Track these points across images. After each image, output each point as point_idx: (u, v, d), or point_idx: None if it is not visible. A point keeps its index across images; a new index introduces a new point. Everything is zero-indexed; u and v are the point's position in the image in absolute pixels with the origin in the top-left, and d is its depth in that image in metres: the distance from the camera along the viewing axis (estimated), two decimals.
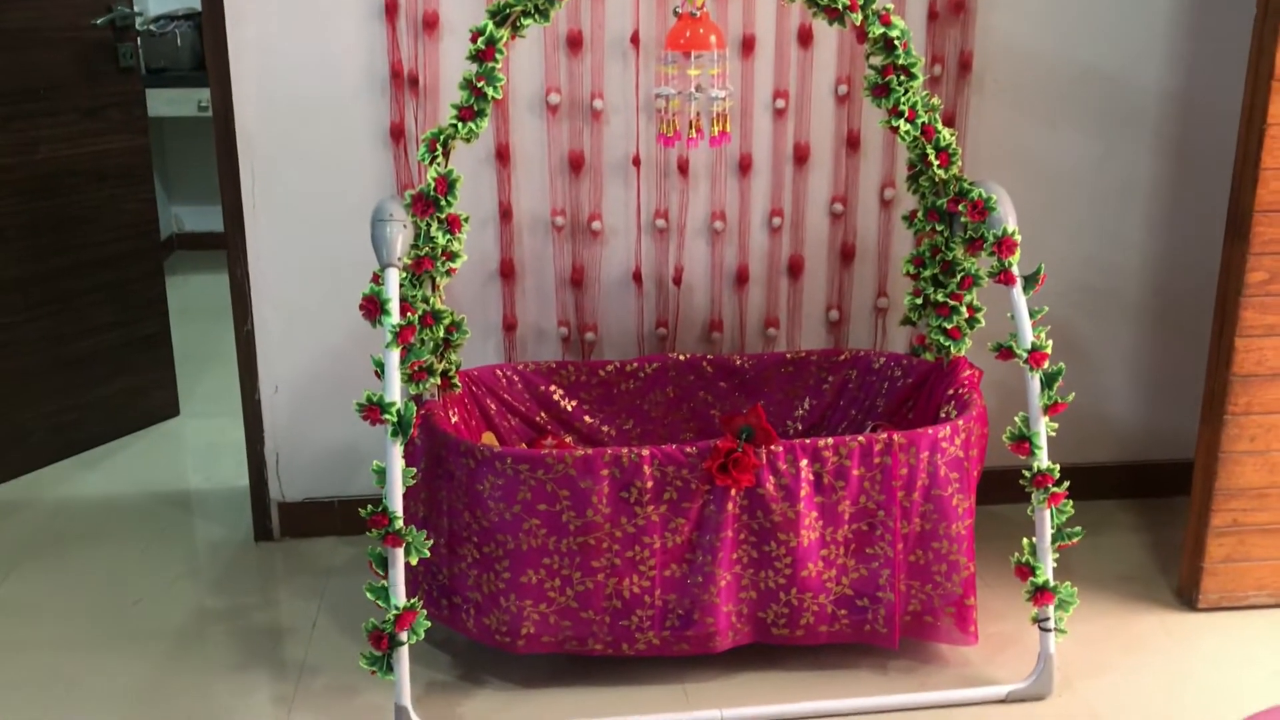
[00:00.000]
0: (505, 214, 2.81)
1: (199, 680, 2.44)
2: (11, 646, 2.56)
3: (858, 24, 2.27)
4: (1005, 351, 2.30)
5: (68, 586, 2.81)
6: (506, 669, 2.42)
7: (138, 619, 2.67)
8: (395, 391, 2.12)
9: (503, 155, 2.77)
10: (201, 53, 5.49)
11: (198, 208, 5.92)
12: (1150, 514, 3.09)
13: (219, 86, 2.73)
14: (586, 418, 2.77)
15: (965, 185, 2.38)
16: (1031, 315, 2.29)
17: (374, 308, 2.16)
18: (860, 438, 2.28)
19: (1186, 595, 2.66)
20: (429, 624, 2.18)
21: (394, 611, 2.12)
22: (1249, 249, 2.42)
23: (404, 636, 2.14)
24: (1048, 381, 2.27)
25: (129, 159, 3.57)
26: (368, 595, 2.13)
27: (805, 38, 2.76)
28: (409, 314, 2.25)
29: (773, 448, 2.24)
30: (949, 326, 2.53)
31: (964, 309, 2.52)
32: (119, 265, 3.57)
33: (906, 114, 2.32)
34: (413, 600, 2.15)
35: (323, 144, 2.77)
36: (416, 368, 2.31)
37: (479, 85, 2.21)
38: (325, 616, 2.66)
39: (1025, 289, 2.31)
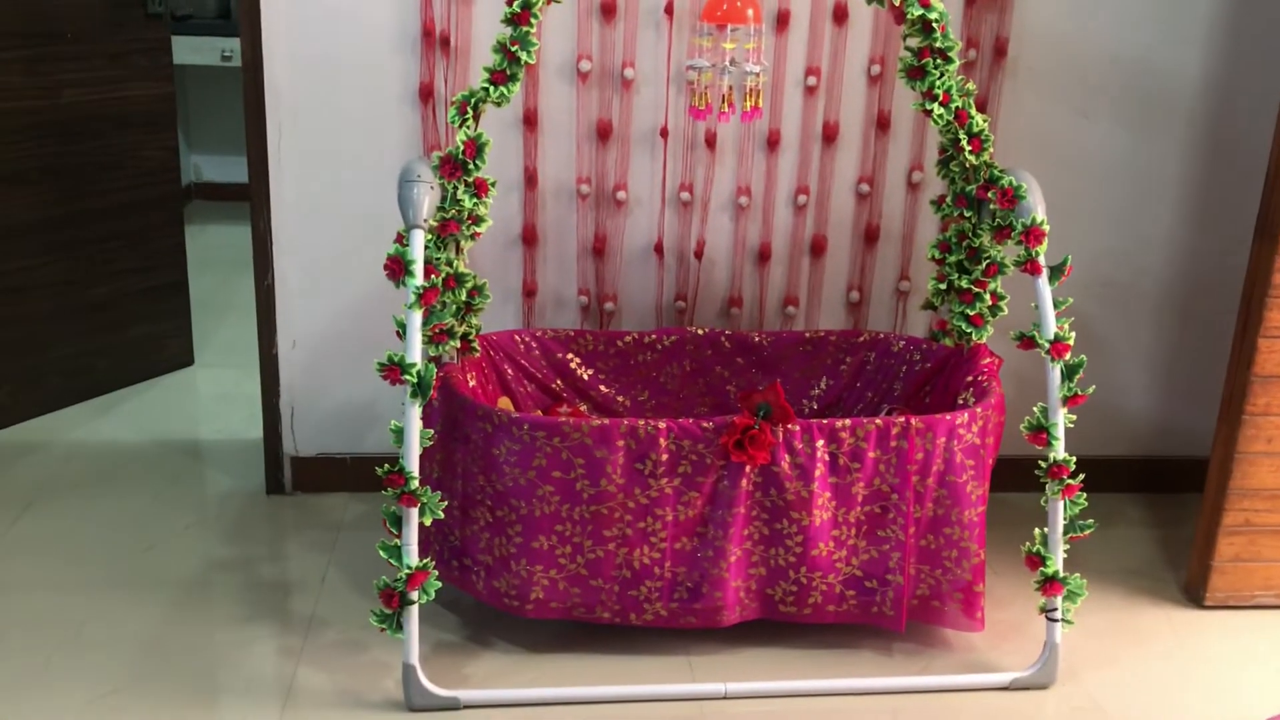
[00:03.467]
0: (530, 180, 2.80)
1: (207, 629, 2.46)
2: (23, 586, 2.58)
3: (896, 4, 2.25)
4: (1027, 341, 2.29)
5: (80, 530, 2.82)
6: (514, 632, 2.44)
7: (148, 565, 2.68)
8: (416, 353, 2.12)
9: (530, 120, 2.76)
10: (225, 0, 5.47)
11: (217, 157, 5.91)
12: (1161, 510, 3.09)
13: (249, 38, 2.71)
14: (602, 387, 2.78)
15: (996, 172, 2.36)
16: (1055, 306, 2.28)
17: (399, 268, 2.15)
18: (878, 420, 2.27)
19: (1194, 592, 2.67)
20: (439, 584, 2.19)
21: (406, 571, 2.13)
22: (1278, 249, 2.40)
23: (415, 596, 2.15)
24: (1068, 373, 2.26)
25: (153, 106, 3.56)
26: (380, 553, 2.14)
27: (840, 15, 2.74)
28: (433, 276, 2.24)
29: (789, 426, 2.24)
30: (972, 313, 2.52)
31: (987, 296, 2.52)
32: (139, 212, 3.57)
33: (941, 98, 2.31)
34: (425, 561, 2.16)
35: (351, 101, 2.76)
36: (437, 330, 2.31)
37: (513, 49, 2.20)
38: (335, 571, 2.67)
39: (1051, 279, 2.30)
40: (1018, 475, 2.74)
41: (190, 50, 5.22)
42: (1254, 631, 2.57)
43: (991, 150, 2.39)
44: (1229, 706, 2.32)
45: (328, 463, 3.01)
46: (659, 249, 2.87)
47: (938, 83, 2.30)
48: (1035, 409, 2.29)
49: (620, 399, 2.79)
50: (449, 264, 2.35)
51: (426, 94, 2.73)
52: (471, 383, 2.53)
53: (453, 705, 2.22)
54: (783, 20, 2.73)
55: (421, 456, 2.16)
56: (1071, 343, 2.27)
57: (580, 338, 2.76)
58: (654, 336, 2.77)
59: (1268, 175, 2.44)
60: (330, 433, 3.00)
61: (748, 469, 2.25)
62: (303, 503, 2.99)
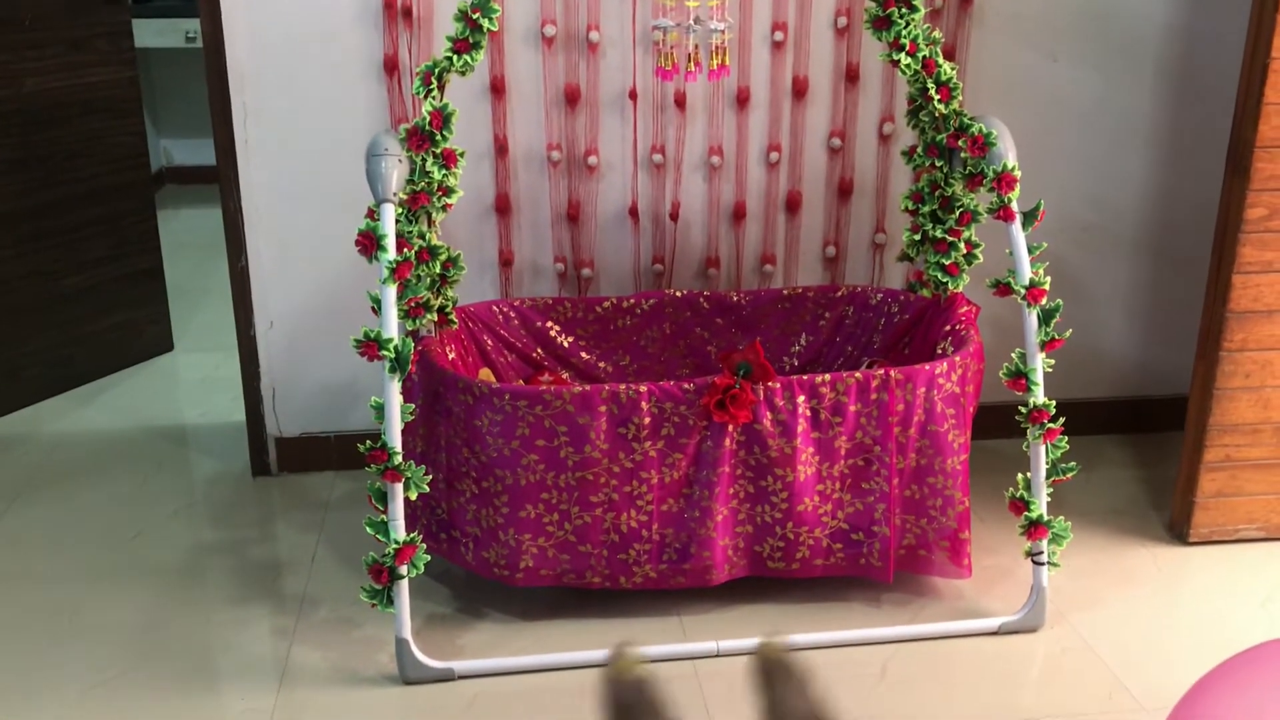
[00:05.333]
0: (501, 148, 2.78)
1: (200, 613, 2.46)
2: (12, 579, 2.58)
3: None
4: (1003, 288, 2.30)
5: (67, 520, 2.82)
6: (505, 601, 2.45)
7: (137, 552, 2.68)
8: (392, 327, 2.12)
9: (498, 88, 2.74)
10: None
11: (187, 141, 5.87)
12: (1143, 449, 3.11)
13: (209, 18, 2.68)
14: (583, 354, 2.77)
15: (965, 120, 2.36)
16: (1030, 251, 2.28)
17: (370, 243, 2.14)
18: (857, 374, 2.28)
19: (1178, 529, 2.69)
20: (428, 558, 2.20)
21: (394, 546, 2.14)
22: (1249, 185, 2.41)
23: (404, 570, 2.15)
24: (1045, 318, 2.27)
25: (117, 91, 3.52)
26: (368, 530, 2.15)
27: None
28: (405, 250, 2.23)
29: (770, 384, 2.25)
30: (947, 262, 2.53)
31: (962, 245, 2.52)
32: (110, 199, 3.54)
33: (908, 47, 2.30)
34: (412, 535, 2.16)
35: (315, 77, 2.73)
36: (413, 304, 2.30)
37: (474, 17, 2.18)
38: (324, 550, 2.68)
39: (1024, 225, 2.30)
40: (1000, 421, 2.76)
41: (154, 33, 5.17)
42: (1238, 565, 2.60)
43: (961, 98, 2.38)
44: (1216, 640, 2.35)
45: (312, 442, 3.01)
46: (633, 212, 2.86)
47: (904, 32, 2.29)
48: (1014, 355, 2.30)
49: (602, 364, 2.79)
50: (421, 237, 2.34)
51: (391, 66, 2.71)
52: (451, 355, 2.53)
53: (447, 676, 2.23)
54: None
55: (404, 431, 2.16)
56: (1047, 287, 2.27)
57: (559, 305, 2.75)
58: (632, 301, 2.77)
59: (1236, 112, 2.44)
60: (313, 412, 2.99)
61: (730, 428, 2.26)
62: (289, 483, 2.99)
